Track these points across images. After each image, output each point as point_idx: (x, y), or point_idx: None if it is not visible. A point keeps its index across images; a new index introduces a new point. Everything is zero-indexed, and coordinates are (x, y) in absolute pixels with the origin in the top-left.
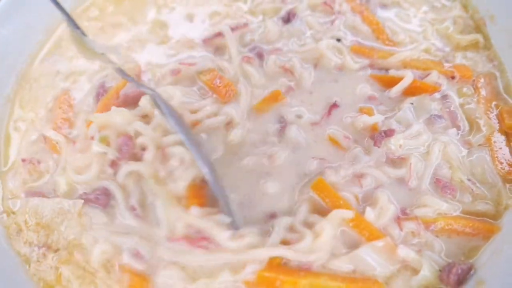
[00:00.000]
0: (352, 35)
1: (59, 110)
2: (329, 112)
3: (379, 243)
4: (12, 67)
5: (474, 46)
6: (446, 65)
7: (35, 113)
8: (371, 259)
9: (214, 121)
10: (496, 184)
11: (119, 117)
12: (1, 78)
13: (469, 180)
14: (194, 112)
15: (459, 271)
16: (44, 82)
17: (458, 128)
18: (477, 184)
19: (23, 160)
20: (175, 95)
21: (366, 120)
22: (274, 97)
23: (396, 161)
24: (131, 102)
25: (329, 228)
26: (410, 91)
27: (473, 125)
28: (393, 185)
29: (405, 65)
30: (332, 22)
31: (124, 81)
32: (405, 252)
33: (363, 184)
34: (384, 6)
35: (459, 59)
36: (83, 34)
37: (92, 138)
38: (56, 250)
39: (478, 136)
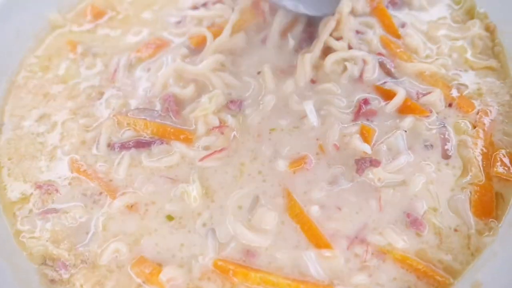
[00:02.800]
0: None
1: None
2: None
3: (326, 253)
4: (2, 73)
5: (489, 68)
6: (454, 92)
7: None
8: (311, 264)
9: None
10: (468, 230)
11: None
12: None
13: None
14: None
15: None
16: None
17: (447, 158)
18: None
19: (39, 187)
20: None
21: (357, 145)
22: None
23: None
24: None
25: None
26: (403, 110)
27: (464, 165)
28: (361, 211)
29: (419, 76)
30: None
31: None
32: None
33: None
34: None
35: (474, 83)
36: None
37: None
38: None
39: (465, 178)
